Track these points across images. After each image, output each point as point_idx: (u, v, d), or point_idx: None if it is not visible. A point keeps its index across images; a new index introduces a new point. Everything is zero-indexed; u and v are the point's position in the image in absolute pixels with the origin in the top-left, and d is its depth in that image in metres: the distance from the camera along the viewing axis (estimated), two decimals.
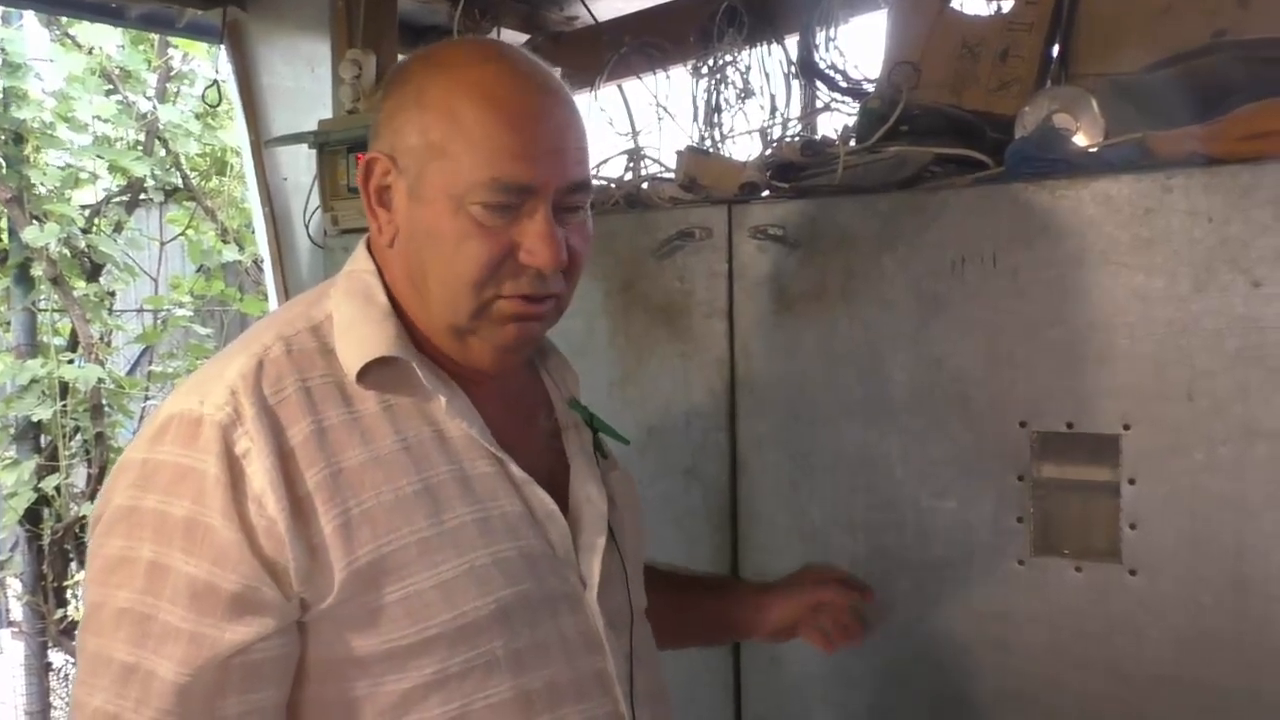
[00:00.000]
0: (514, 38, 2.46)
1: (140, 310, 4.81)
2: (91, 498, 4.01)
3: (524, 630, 0.90)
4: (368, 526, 0.84)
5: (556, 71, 0.94)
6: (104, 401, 4.06)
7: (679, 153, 1.59)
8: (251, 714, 0.82)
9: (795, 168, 1.50)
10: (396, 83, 0.91)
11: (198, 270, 4.55)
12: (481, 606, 0.87)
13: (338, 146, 1.85)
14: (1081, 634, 1.24)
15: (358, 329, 0.90)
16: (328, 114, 2.09)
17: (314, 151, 1.91)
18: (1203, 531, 1.17)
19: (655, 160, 1.77)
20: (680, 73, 2.24)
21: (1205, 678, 1.18)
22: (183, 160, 4.37)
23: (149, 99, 4.20)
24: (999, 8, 1.64)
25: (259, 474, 0.81)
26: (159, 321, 4.52)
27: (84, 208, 4.16)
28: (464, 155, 0.85)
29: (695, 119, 2.12)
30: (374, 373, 0.88)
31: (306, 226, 2.09)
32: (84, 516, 3.98)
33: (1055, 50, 1.56)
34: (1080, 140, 1.30)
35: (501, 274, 0.88)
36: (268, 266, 2.39)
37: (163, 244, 4.53)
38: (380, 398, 0.89)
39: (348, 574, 0.82)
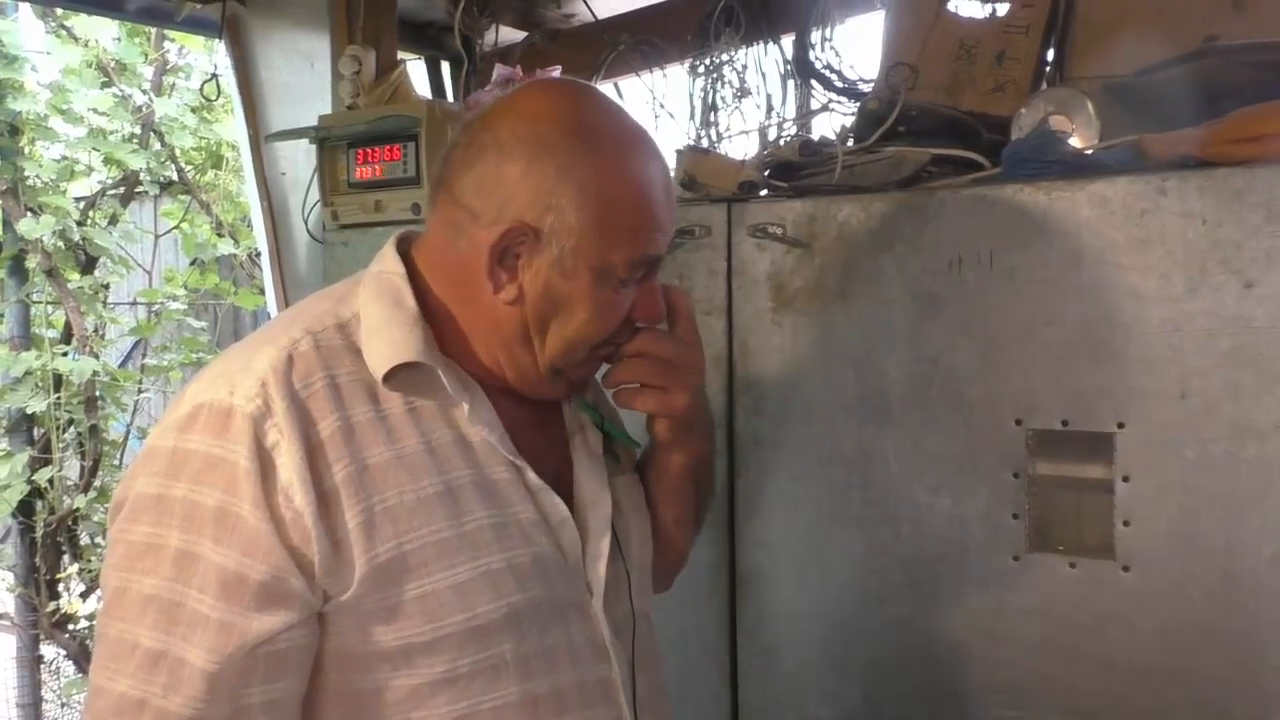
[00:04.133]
0: (512, 35, 2.47)
1: (134, 303, 4.80)
2: (85, 490, 4.00)
3: (533, 635, 0.91)
4: (389, 524, 0.85)
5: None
6: (98, 394, 4.05)
7: (679, 151, 1.60)
8: (273, 703, 0.83)
9: (794, 167, 1.52)
10: (531, 146, 0.89)
11: (192, 263, 4.54)
12: (494, 610, 0.88)
13: (338, 142, 1.86)
14: (1074, 628, 1.26)
15: (386, 332, 0.91)
16: (326, 109, 2.09)
17: (313, 147, 1.91)
18: (1194, 528, 1.19)
19: None
20: (677, 71, 2.25)
21: (1194, 670, 1.20)
22: (178, 153, 4.36)
23: (145, 92, 4.19)
24: (994, 11, 1.66)
25: (287, 466, 0.82)
26: (153, 314, 4.51)
27: (79, 200, 4.15)
28: (615, 235, 0.90)
29: (692, 117, 2.14)
30: (400, 375, 0.90)
31: (305, 221, 2.09)
32: (77, 509, 3.97)
33: (1050, 53, 1.57)
34: (1076, 142, 1.32)
35: None
36: (265, 261, 2.39)
37: (157, 237, 4.52)
38: (405, 399, 0.90)
39: (368, 569, 0.84)
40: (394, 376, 0.89)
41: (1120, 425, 1.22)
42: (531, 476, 0.94)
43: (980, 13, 1.61)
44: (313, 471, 0.83)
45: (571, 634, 0.95)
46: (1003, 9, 1.58)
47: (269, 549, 0.81)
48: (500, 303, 0.92)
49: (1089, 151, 1.30)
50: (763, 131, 1.98)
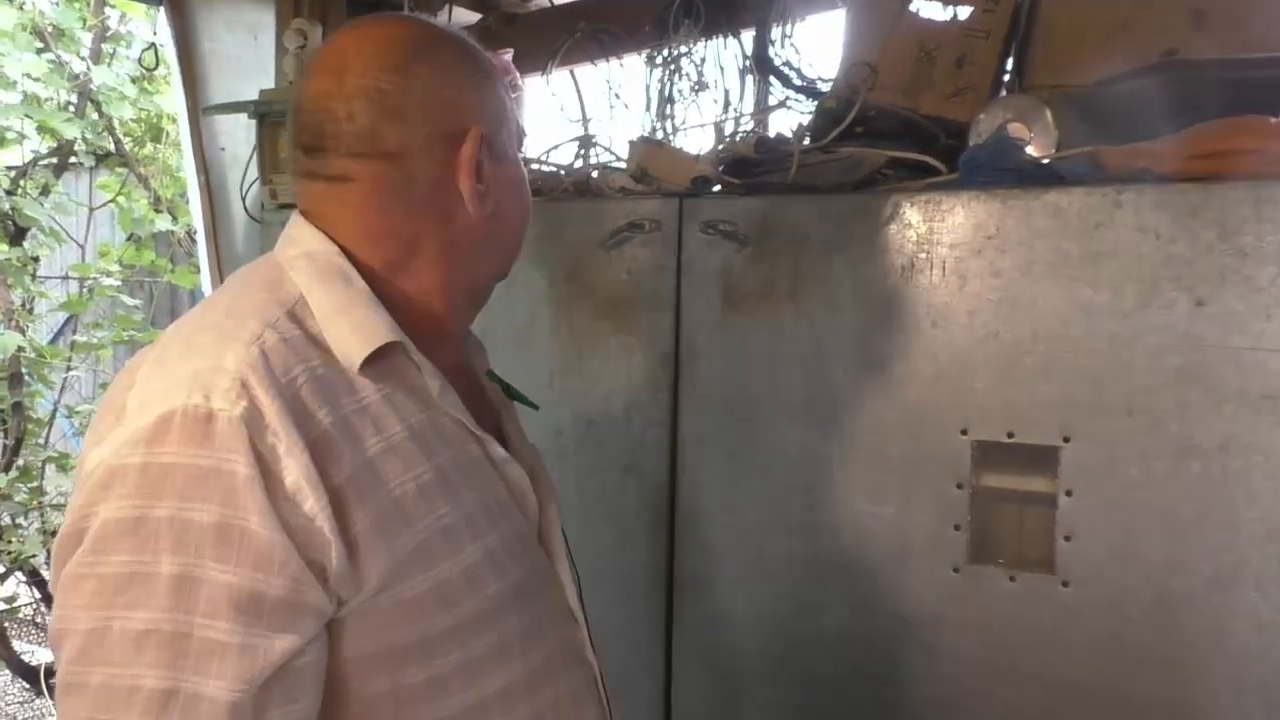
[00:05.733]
0: (466, 17, 2.42)
1: (66, 278, 4.65)
2: (6, 469, 3.86)
3: (528, 608, 0.91)
4: (400, 516, 0.81)
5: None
6: (24, 370, 3.91)
7: (631, 142, 1.56)
8: None
9: (748, 163, 1.49)
10: (463, 57, 0.93)
11: (128, 239, 4.40)
12: (501, 588, 0.87)
13: (279, 118, 1.79)
14: (1011, 643, 1.24)
15: (350, 315, 0.85)
16: (269, 84, 2.02)
17: (254, 122, 1.85)
18: (1134, 545, 1.18)
19: (607, 149, 1.74)
20: (634, 61, 2.21)
21: (1128, 689, 1.19)
22: (116, 124, 4.22)
23: (83, 59, 4.05)
24: (956, 14, 1.64)
25: (291, 469, 0.75)
26: (85, 290, 4.37)
27: (9, 169, 4.01)
28: (508, 112, 0.96)
29: (648, 109, 2.10)
30: (368, 362, 0.84)
31: (243, 199, 2.02)
32: None
33: (1011, 60, 1.56)
34: (1033, 150, 1.31)
35: None
36: (201, 238, 2.31)
37: (92, 210, 4.37)
38: (376, 386, 0.84)
39: (390, 565, 0.79)
40: (364, 364, 0.84)
41: (1065, 439, 1.21)
42: (497, 450, 0.93)
43: (942, 15, 1.59)
44: (319, 471, 0.76)
45: (550, 601, 0.96)
46: (965, 12, 1.57)
47: (284, 561, 0.74)
48: (477, 220, 0.92)
49: (1046, 160, 1.29)
50: (719, 126, 1.95)
